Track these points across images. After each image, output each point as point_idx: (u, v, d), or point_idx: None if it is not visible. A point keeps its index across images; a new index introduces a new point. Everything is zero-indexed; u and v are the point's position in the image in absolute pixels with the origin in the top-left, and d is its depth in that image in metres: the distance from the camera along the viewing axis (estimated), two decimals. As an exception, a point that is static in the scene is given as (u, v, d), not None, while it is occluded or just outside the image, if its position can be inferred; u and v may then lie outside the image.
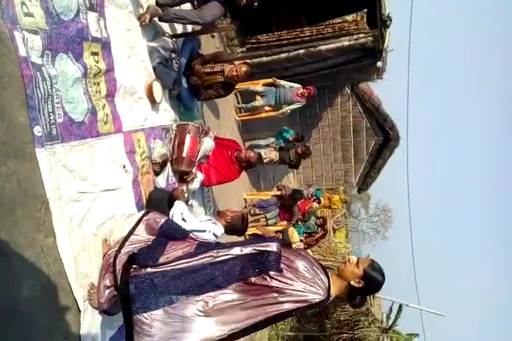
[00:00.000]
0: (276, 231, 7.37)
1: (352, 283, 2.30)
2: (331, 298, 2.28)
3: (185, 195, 3.77)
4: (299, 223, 8.49)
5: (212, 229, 3.41)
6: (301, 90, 6.63)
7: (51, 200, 2.37)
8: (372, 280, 2.31)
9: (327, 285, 2.25)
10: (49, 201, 2.36)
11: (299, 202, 7.94)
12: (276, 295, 2.19)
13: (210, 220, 3.57)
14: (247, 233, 4.17)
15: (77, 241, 2.56)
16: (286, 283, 2.20)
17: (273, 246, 2.27)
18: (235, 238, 3.97)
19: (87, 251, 2.63)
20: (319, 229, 8.96)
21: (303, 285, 2.21)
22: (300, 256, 2.35)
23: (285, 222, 7.58)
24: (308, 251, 8.48)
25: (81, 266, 2.54)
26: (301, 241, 7.94)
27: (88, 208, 2.70)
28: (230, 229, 3.63)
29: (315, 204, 9.40)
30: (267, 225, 7.24)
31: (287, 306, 2.19)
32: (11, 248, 2.09)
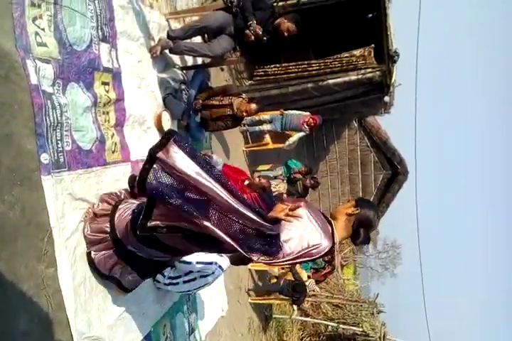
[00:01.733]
0: (283, 268, 7.20)
1: (348, 212, 2.30)
2: (336, 244, 2.28)
3: None
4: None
5: (218, 262, 3.32)
6: (308, 118, 6.64)
7: (55, 229, 2.31)
8: (366, 205, 2.34)
9: (330, 232, 2.26)
10: (52, 230, 2.30)
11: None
12: None
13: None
14: (252, 265, 4.05)
15: (79, 273, 2.47)
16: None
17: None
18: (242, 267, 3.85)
19: (89, 283, 2.54)
20: (327, 265, 8.75)
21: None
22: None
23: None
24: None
25: (81, 298, 2.44)
26: (308, 277, 7.74)
27: (92, 238, 2.62)
28: (236, 260, 3.52)
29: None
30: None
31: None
32: (9, 278, 2.01)
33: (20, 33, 2.28)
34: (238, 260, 3.58)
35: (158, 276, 3.32)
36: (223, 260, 3.37)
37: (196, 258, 3.27)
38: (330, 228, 2.29)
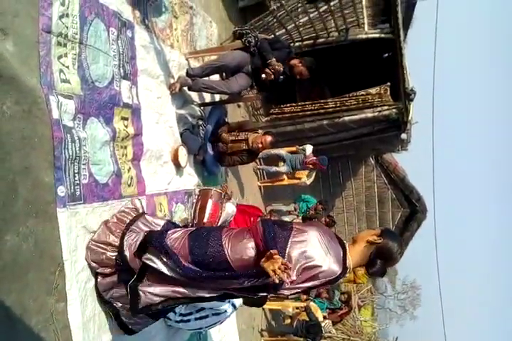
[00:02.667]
0: (298, 307, 6.99)
1: (370, 239, 2.21)
2: (348, 270, 2.19)
3: None
4: (323, 299, 8.05)
5: (231, 300, 3.24)
6: (310, 159, 6.64)
7: (67, 262, 2.30)
8: (391, 236, 2.26)
9: (341, 256, 2.19)
10: (64, 263, 2.29)
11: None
12: None
13: None
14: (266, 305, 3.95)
15: (89, 308, 2.44)
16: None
17: None
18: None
19: (98, 320, 2.49)
20: (343, 305, 8.47)
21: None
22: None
23: (305, 296, 7.20)
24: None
25: (89, 335, 2.39)
26: (324, 317, 7.48)
27: (104, 272, 2.60)
28: (248, 301, 3.45)
29: (339, 278, 8.97)
30: (287, 298, 6.89)
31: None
32: (18, 312, 1.98)
33: (46, 70, 2.38)
34: (250, 301, 3.51)
35: (169, 313, 3.25)
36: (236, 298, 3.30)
37: None
38: (342, 251, 2.22)
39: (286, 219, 6.78)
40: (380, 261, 2.23)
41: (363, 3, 6.40)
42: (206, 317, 3.22)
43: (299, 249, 2.16)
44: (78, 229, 2.45)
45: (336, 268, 2.16)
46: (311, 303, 7.05)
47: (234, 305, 3.28)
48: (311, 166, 6.68)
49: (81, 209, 2.50)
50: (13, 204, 2.06)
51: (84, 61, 2.72)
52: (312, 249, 2.16)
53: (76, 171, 2.52)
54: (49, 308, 2.17)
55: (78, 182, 2.52)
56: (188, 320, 3.24)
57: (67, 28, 2.55)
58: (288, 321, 7.17)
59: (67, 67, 2.57)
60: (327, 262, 2.15)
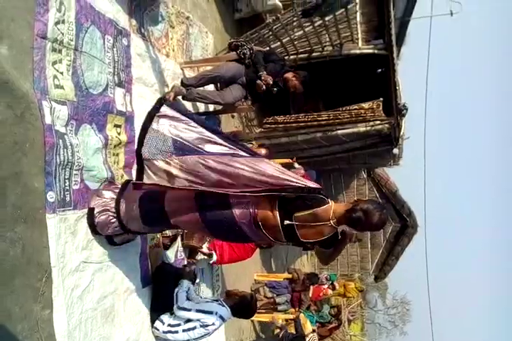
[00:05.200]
0: (288, 320, 6.93)
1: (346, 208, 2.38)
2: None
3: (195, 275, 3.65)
4: (312, 311, 7.99)
5: (219, 312, 3.21)
6: (300, 172, 6.66)
7: (54, 269, 2.28)
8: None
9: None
10: (52, 269, 2.27)
11: (312, 287, 7.56)
12: None
13: (217, 301, 3.37)
14: (255, 316, 3.91)
15: (75, 315, 2.40)
16: None
17: None
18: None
19: (84, 327, 2.45)
20: (333, 319, 8.41)
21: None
22: None
23: (296, 309, 7.15)
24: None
25: (75, 343, 2.34)
26: (313, 330, 7.41)
27: (91, 280, 2.57)
28: (237, 311, 3.41)
29: (329, 291, 8.92)
30: (277, 310, 6.84)
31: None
32: (2, 318, 1.95)
33: (39, 75, 2.38)
34: (240, 311, 3.47)
35: (157, 323, 3.21)
36: (224, 310, 3.27)
37: (196, 305, 3.17)
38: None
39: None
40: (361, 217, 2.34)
41: (358, 19, 6.48)
42: (194, 328, 3.17)
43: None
44: (67, 235, 2.43)
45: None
46: (301, 315, 7.00)
47: (222, 318, 3.24)
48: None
49: (70, 216, 2.48)
50: (2, 209, 2.04)
51: (78, 67, 2.73)
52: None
53: (67, 177, 2.51)
54: (34, 316, 2.14)
55: (68, 188, 2.50)
56: (176, 331, 3.19)
57: (62, 34, 2.56)
58: (277, 331, 7.10)
59: (62, 73, 2.57)
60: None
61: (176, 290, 3.27)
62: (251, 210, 2.35)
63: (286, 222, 2.32)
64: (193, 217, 2.41)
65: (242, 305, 3.43)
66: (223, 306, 3.30)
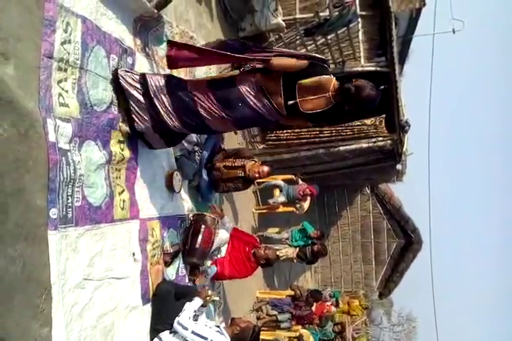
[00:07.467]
0: (290, 337, 6.85)
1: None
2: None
3: (213, 298, 3.61)
4: (316, 328, 7.89)
5: (214, 339, 3.11)
6: (304, 188, 6.74)
7: (54, 286, 2.27)
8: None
9: None
10: (52, 287, 2.26)
11: (316, 304, 7.48)
12: None
13: (217, 327, 3.31)
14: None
15: (74, 333, 2.39)
16: None
17: None
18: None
19: (83, 345, 2.44)
20: (337, 336, 8.31)
21: None
22: None
23: (299, 327, 7.07)
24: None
25: (73, 362, 2.33)
26: (317, 347, 7.32)
27: (91, 297, 2.56)
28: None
29: (333, 308, 8.81)
30: (279, 328, 6.77)
31: None
32: (0, 336, 1.94)
33: (45, 94, 2.41)
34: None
35: (156, 342, 3.17)
36: (222, 338, 3.19)
37: (194, 327, 3.10)
38: None
39: (277, 247, 6.56)
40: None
41: (360, 37, 6.58)
42: None
43: None
44: (68, 252, 2.43)
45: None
46: (304, 330, 6.92)
47: None
48: (308, 191, 6.74)
49: (72, 232, 2.49)
50: (3, 226, 2.05)
51: (83, 86, 2.77)
52: None
53: (69, 194, 2.52)
54: (33, 333, 2.12)
55: (71, 204, 2.52)
56: None
57: (68, 53, 2.61)
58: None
59: (67, 91, 2.61)
60: None
61: (187, 305, 3.25)
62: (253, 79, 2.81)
63: (290, 102, 2.69)
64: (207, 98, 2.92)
65: (242, 338, 3.39)
66: (222, 334, 3.24)
